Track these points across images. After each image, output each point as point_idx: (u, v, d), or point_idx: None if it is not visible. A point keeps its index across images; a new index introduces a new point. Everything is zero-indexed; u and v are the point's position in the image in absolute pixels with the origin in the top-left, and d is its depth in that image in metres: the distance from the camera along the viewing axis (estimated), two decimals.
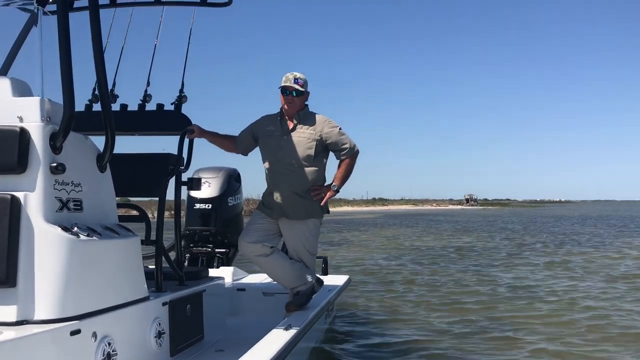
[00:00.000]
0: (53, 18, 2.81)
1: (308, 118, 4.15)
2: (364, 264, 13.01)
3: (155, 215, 3.75)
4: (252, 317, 4.98)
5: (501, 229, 29.53)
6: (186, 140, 4.16)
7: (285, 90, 4.10)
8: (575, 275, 11.00)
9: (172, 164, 3.94)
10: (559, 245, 18.08)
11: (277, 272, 4.19)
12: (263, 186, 4.28)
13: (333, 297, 5.00)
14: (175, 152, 4.03)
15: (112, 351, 2.79)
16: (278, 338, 3.36)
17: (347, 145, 4.14)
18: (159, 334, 3.34)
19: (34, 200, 2.57)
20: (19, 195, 2.55)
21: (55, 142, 2.68)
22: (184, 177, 4.23)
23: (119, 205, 3.43)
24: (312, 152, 4.05)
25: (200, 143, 4.37)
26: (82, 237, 2.66)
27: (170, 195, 4.04)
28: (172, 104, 4.50)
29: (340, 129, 4.15)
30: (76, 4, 3.44)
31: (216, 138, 4.34)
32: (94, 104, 4.31)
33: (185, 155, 4.16)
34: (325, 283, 4.66)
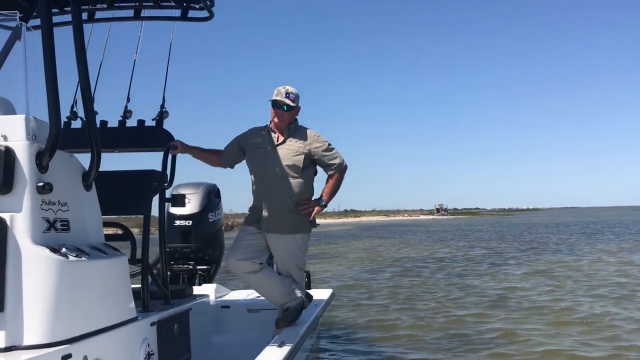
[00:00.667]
0: (34, 34, 2.75)
1: (298, 132, 4.12)
2: (344, 278, 12.96)
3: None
4: (237, 335, 4.90)
5: (478, 238, 29.76)
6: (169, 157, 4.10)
7: (276, 104, 4.06)
8: (562, 283, 11.02)
9: (156, 181, 3.88)
10: (541, 253, 18.22)
11: (267, 289, 4.12)
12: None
13: (319, 312, 4.95)
14: (153, 168, 3.97)
15: None
16: (274, 355, 3.31)
17: (335, 161, 4.12)
18: (148, 355, 3.26)
19: (20, 221, 2.48)
20: (5, 216, 2.46)
21: (41, 161, 2.60)
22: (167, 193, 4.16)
23: (103, 224, 3.35)
24: (300, 164, 4.01)
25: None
26: (70, 258, 2.58)
27: (152, 211, 3.97)
28: (153, 119, 4.44)
29: (329, 144, 4.12)
30: (55, 19, 3.36)
31: (201, 153, 4.28)
32: (72, 121, 4.22)
33: (167, 171, 4.10)
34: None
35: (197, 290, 4.88)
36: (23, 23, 2.69)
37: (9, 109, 2.72)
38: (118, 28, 4.57)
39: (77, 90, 3.87)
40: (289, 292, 4.09)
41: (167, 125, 4.50)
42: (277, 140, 4.09)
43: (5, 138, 2.56)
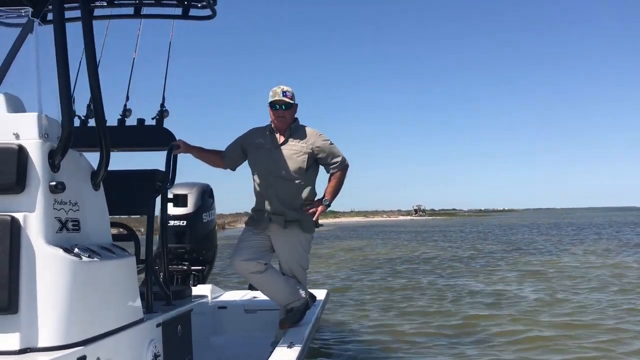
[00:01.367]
0: (46, 32, 2.70)
1: (299, 131, 4.10)
2: (335, 279, 12.92)
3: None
4: (235, 336, 4.88)
5: (461, 238, 29.97)
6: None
7: (274, 105, 4.03)
8: (554, 285, 10.98)
9: (159, 181, 3.83)
10: (527, 254, 18.31)
11: (271, 289, 4.10)
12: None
13: (319, 313, 4.95)
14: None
15: None
16: (286, 355, 3.29)
17: (337, 159, 4.11)
18: (155, 356, 3.22)
19: (34, 221, 2.44)
20: (18, 216, 2.41)
21: (54, 159, 2.55)
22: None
23: None
24: (304, 165, 4.00)
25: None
26: (84, 258, 2.53)
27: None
28: (153, 118, 4.39)
29: (330, 142, 4.11)
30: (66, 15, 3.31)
31: (202, 153, 4.24)
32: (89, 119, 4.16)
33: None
34: None
35: (194, 290, 4.84)
36: (36, 19, 2.64)
37: (19, 107, 2.66)
38: (117, 26, 4.51)
39: (73, 87, 3.81)
40: (293, 292, 4.08)
41: (166, 124, 4.46)
42: (279, 141, 4.07)
43: (17, 136, 2.51)
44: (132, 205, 3.78)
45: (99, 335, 2.58)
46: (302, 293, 4.12)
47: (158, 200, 3.92)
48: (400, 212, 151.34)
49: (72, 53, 2.74)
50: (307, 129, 4.12)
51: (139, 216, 4.50)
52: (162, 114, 4.37)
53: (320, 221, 4.20)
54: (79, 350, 2.41)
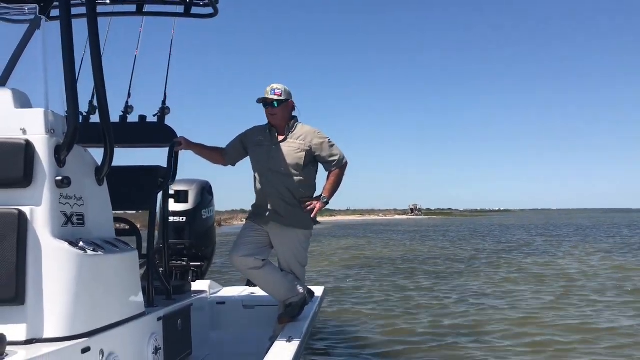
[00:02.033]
0: (52, 29, 2.74)
1: (298, 129, 4.16)
2: (332, 277, 12.92)
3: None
4: (234, 331, 4.93)
5: (459, 238, 29.83)
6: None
7: (265, 104, 4.12)
8: (559, 286, 10.87)
9: (161, 177, 3.88)
10: (529, 255, 18.17)
11: (269, 285, 4.16)
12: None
13: (317, 308, 5.01)
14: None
15: None
16: (285, 349, 3.35)
17: (335, 157, 4.17)
18: (156, 350, 3.28)
19: (40, 215, 2.49)
20: (25, 209, 2.46)
21: (60, 155, 2.60)
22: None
23: None
24: (301, 161, 4.06)
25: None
26: (88, 252, 2.59)
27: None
28: (154, 115, 4.43)
29: (329, 140, 4.17)
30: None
31: (203, 150, 4.29)
32: (91, 115, 4.21)
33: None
34: None
35: (193, 286, 4.89)
36: (43, 16, 2.68)
37: (26, 103, 2.71)
38: (119, 23, 4.55)
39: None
40: (291, 288, 4.14)
41: (167, 121, 4.50)
42: (279, 138, 4.13)
43: (24, 132, 2.56)
44: (134, 201, 3.84)
45: (102, 328, 2.64)
46: (300, 289, 4.18)
47: (159, 196, 3.98)
48: (396, 211, 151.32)
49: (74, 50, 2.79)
50: (306, 128, 4.18)
51: (136, 211, 4.57)
52: (164, 111, 4.42)
53: (317, 219, 4.26)
54: (83, 342, 2.46)
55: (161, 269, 4.46)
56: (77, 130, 2.63)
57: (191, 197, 5.95)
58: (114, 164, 3.69)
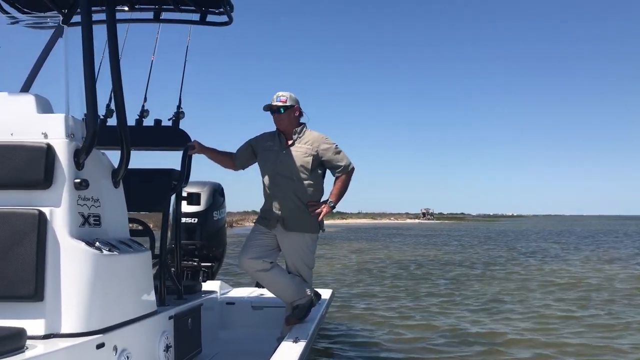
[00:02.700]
0: (74, 37, 2.86)
1: (306, 135, 4.29)
2: (346, 280, 12.87)
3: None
4: (243, 331, 5.05)
5: (473, 244, 29.05)
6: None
7: (272, 111, 4.26)
8: (577, 295, 10.59)
9: (175, 180, 4.01)
10: (545, 262, 17.75)
11: (277, 287, 4.28)
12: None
13: (324, 311, 5.11)
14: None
15: None
16: (292, 350, 3.45)
17: (342, 163, 4.28)
18: (167, 348, 3.39)
19: (59, 216, 2.62)
20: (45, 210, 2.59)
21: (79, 158, 2.73)
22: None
23: None
24: (309, 165, 4.18)
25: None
26: (104, 252, 2.71)
27: None
28: (169, 119, 4.57)
29: (336, 146, 4.29)
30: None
31: (215, 154, 4.43)
32: (108, 119, 4.34)
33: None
34: None
35: (203, 286, 5.01)
36: (65, 25, 2.80)
37: (48, 108, 2.84)
38: (136, 29, 4.67)
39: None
40: (298, 290, 4.25)
41: (183, 125, 4.63)
42: (287, 143, 4.25)
43: (45, 135, 2.69)
44: (148, 202, 3.96)
45: (116, 325, 2.76)
46: (308, 291, 4.29)
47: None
48: (408, 215, 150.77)
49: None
50: (314, 133, 4.31)
51: (147, 212, 4.68)
52: (179, 115, 4.56)
53: (327, 222, 4.36)
54: (98, 338, 2.59)
55: (173, 269, 4.62)
56: (95, 135, 2.75)
57: (203, 198, 6.07)
58: (130, 166, 3.82)
